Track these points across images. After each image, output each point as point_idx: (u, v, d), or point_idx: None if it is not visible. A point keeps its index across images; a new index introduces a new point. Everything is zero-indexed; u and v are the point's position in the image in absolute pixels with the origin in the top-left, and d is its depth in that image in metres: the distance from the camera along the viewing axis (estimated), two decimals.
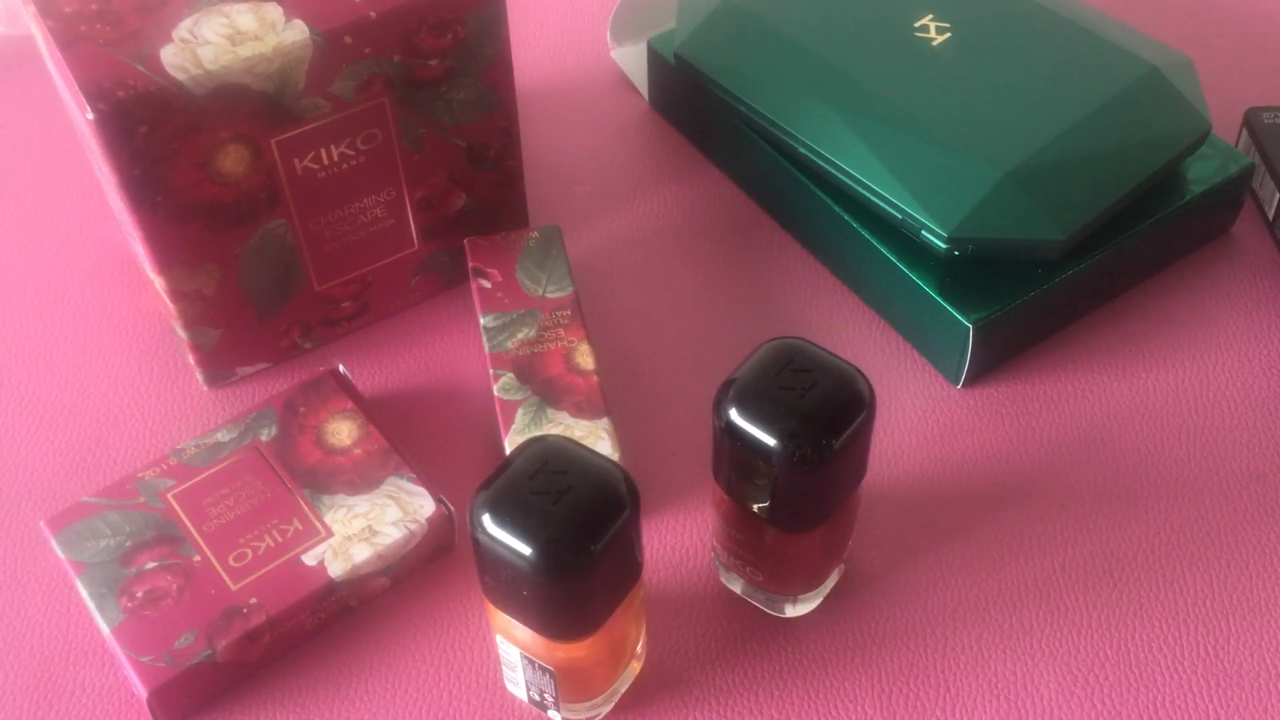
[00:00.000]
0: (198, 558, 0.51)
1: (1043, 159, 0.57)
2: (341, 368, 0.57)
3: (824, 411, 0.45)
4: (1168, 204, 0.61)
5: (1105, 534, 0.54)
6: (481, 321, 0.58)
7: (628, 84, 0.75)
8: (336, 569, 0.50)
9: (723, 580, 0.53)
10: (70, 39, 0.50)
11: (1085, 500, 0.55)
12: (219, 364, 0.59)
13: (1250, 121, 0.67)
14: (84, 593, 0.50)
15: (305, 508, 0.52)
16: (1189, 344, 0.61)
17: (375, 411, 0.57)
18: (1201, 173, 0.62)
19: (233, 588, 0.50)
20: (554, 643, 0.44)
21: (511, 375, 0.55)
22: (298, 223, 0.56)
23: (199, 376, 0.60)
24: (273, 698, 0.50)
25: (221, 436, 0.55)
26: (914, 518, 0.55)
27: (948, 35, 0.62)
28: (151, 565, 0.50)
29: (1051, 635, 0.51)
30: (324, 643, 0.51)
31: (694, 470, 0.56)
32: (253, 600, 0.49)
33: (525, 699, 0.49)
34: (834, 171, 0.60)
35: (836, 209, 0.61)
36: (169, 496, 0.53)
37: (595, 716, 0.49)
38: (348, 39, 0.52)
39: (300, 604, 0.50)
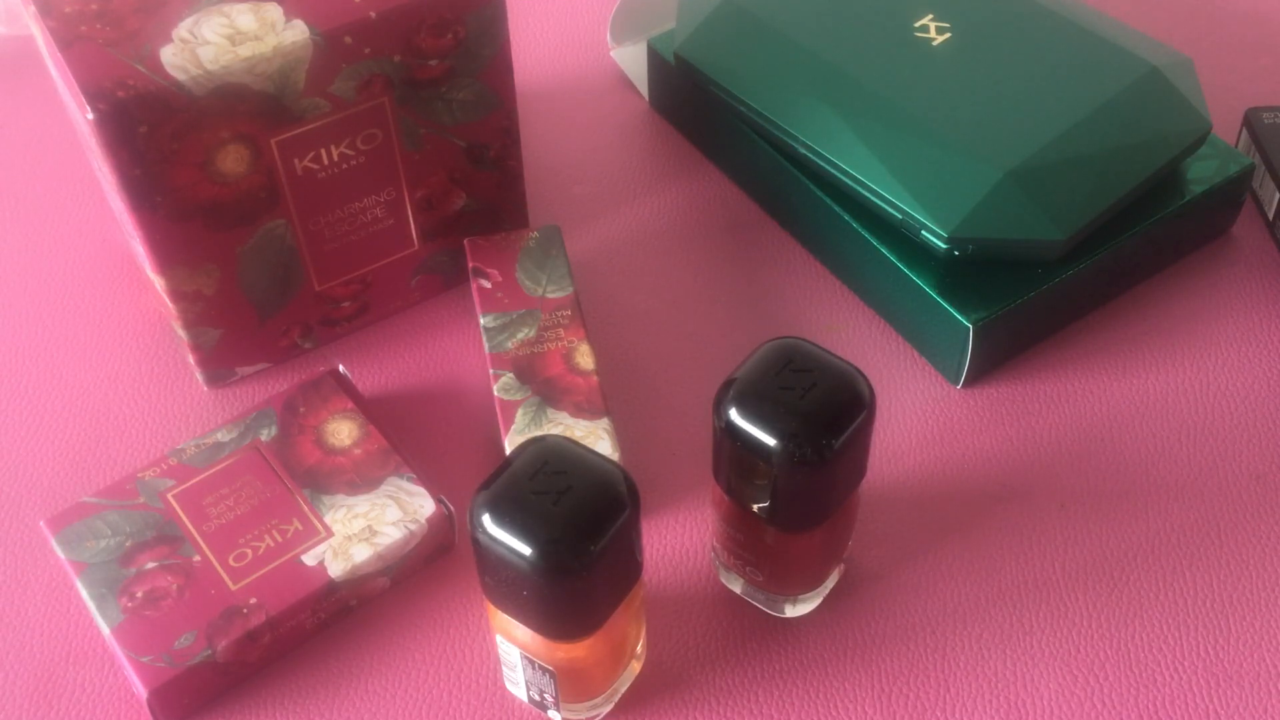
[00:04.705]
0: (198, 558, 0.51)
1: (1043, 159, 0.57)
2: (341, 368, 0.58)
3: (824, 411, 0.45)
4: (1168, 204, 0.61)
5: (1105, 534, 0.54)
6: (481, 321, 0.58)
7: (628, 84, 0.75)
8: (336, 569, 0.50)
9: (723, 580, 0.53)
10: (70, 39, 0.50)
11: (1085, 500, 0.55)
12: (219, 364, 0.59)
13: (1250, 121, 0.67)
14: (84, 593, 0.50)
15: (305, 508, 0.52)
16: (1189, 344, 0.61)
17: (375, 411, 0.57)
18: (1201, 173, 0.62)
19: (233, 588, 0.50)
20: (554, 643, 0.44)
21: (511, 375, 0.55)
22: (298, 223, 0.56)
23: (199, 376, 0.60)
24: (273, 698, 0.50)
25: (221, 436, 0.55)
26: (914, 518, 0.55)
27: (948, 35, 0.62)
28: (151, 565, 0.50)
29: (1051, 635, 0.51)
30: (324, 643, 0.51)
31: (694, 470, 0.56)
32: (253, 600, 0.49)
33: (525, 699, 0.49)
34: (834, 171, 0.60)
35: (836, 209, 0.61)
36: (169, 496, 0.53)
37: (595, 716, 0.49)
38: (348, 39, 0.52)
39: (300, 604, 0.50)
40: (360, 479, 0.53)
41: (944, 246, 0.56)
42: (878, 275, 0.61)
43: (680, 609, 0.52)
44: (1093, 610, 0.52)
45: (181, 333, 0.57)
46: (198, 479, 0.53)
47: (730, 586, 0.53)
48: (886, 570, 0.53)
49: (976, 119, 0.58)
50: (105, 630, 0.49)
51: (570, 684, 0.47)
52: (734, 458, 0.46)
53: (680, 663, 0.51)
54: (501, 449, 0.54)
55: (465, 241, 0.61)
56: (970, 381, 0.59)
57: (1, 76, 0.75)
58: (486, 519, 0.42)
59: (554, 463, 0.43)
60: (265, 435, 0.55)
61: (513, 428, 0.54)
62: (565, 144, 0.71)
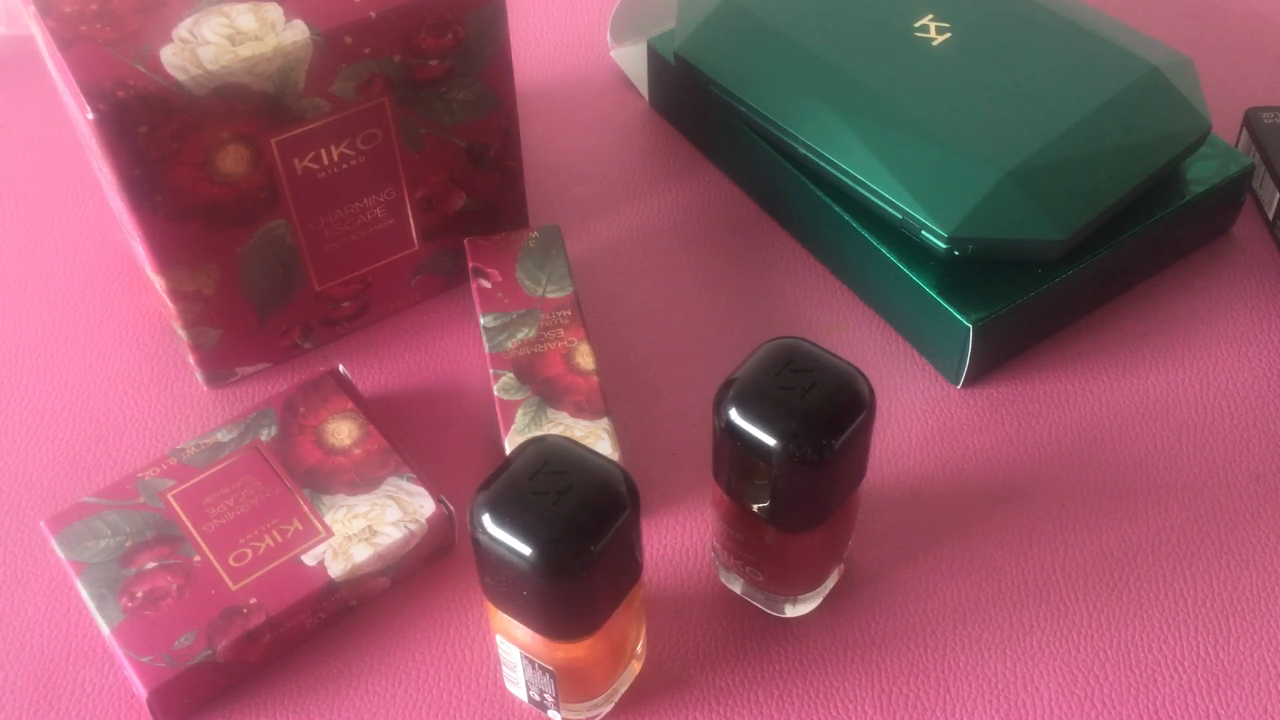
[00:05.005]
0: (198, 558, 0.51)
1: (1043, 159, 0.57)
2: (341, 368, 0.58)
3: (824, 411, 0.45)
4: (1168, 204, 0.61)
5: (1105, 534, 0.54)
6: (481, 321, 0.58)
7: (628, 84, 0.75)
8: (336, 569, 0.50)
9: (723, 580, 0.53)
10: (70, 39, 0.50)
11: (1085, 500, 0.55)
12: (219, 364, 0.59)
13: (1250, 121, 0.67)
14: (84, 593, 0.50)
15: (305, 508, 0.52)
16: (1189, 344, 0.61)
17: (375, 411, 0.57)
18: (1201, 173, 0.62)
19: (233, 588, 0.50)
20: (554, 643, 0.44)
21: (511, 375, 0.55)
22: (298, 223, 0.56)
23: (199, 376, 0.60)
24: (273, 698, 0.50)
25: (221, 436, 0.55)
26: (914, 518, 0.55)
27: (948, 35, 0.62)
28: (151, 565, 0.50)
29: (1051, 635, 0.51)
30: (324, 643, 0.51)
31: (694, 470, 0.56)
32: (253, 600, 0.49)
33: (525, 699, 0.49)
34: (834, 171, 0.60)
35: (836, 209, 0.61)
36: (169, 496, 0.53)
37: (595, 716, 0.49)
38: (348, 39, 0.52)
39: (300, 604, 0.50)
40: (360, 479, 0.53)
41: (944, 246, 0.56)
42: (878, 275, 0.61)
43: (680, 609, 0.52)
44: (1093, 610, 0.52)
45: (181, 333, 0.57)
46: (198, 479, 0.53)
47: (730, 586, 0.53)
48: (886, 570, 0.53)
49: (976, 119, 0.58)
50: (105, 630, 0.49)
51: (570, 684, 0.47)
52: (734, 458, 0.46)
53: (680, 663, 0.51)
54: (501, 449, 0.54)
55: (465, 241, 0.61)
56: (970, 381, 0.59)
57: (1, 76, 0.75)
58: (486, 519, 0.42)
59: (554, 463, 0.43)
60: (265, 435, 0.55)
61: (513, 428, 0.54)
62: (565, 144, 0.71)
